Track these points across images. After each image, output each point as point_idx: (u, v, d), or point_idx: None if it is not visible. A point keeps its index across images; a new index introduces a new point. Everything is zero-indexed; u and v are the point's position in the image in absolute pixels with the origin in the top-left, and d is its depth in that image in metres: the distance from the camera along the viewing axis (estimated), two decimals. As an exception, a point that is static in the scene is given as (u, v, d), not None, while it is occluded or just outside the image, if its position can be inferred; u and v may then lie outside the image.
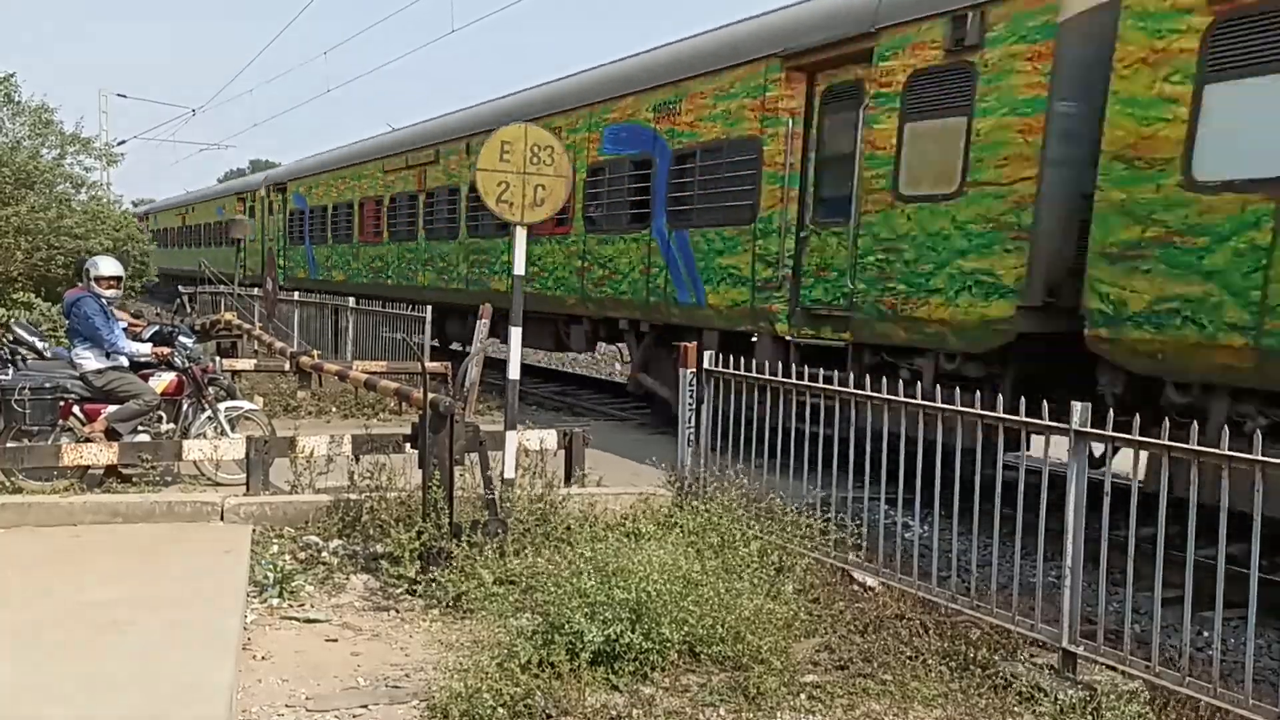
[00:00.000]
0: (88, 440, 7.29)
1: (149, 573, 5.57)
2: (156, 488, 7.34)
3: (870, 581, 5.79)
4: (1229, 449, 4.17)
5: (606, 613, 4.54)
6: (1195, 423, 4.50)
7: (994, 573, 5.16)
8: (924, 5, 8.06)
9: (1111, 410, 4.88)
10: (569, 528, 6.13)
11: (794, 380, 6.43)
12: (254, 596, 5.54)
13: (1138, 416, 4.59)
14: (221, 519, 6.68)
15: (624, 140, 12.00)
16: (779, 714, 4.32)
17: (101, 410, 7.57)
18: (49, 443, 7.21)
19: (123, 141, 49.88)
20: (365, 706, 4.32)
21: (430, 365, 8.98)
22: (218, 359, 9.66)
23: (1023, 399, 5.07)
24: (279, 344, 14.10)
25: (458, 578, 5.49)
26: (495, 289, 14.60)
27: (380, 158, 19.34)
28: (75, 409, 7.55)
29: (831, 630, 5.20)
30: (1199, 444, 4.28)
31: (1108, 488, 4.57)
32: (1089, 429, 4.66)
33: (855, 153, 8.74)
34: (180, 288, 23.96)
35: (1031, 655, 4.88)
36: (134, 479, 7.44)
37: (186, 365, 8.03)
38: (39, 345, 8.14)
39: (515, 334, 6.46)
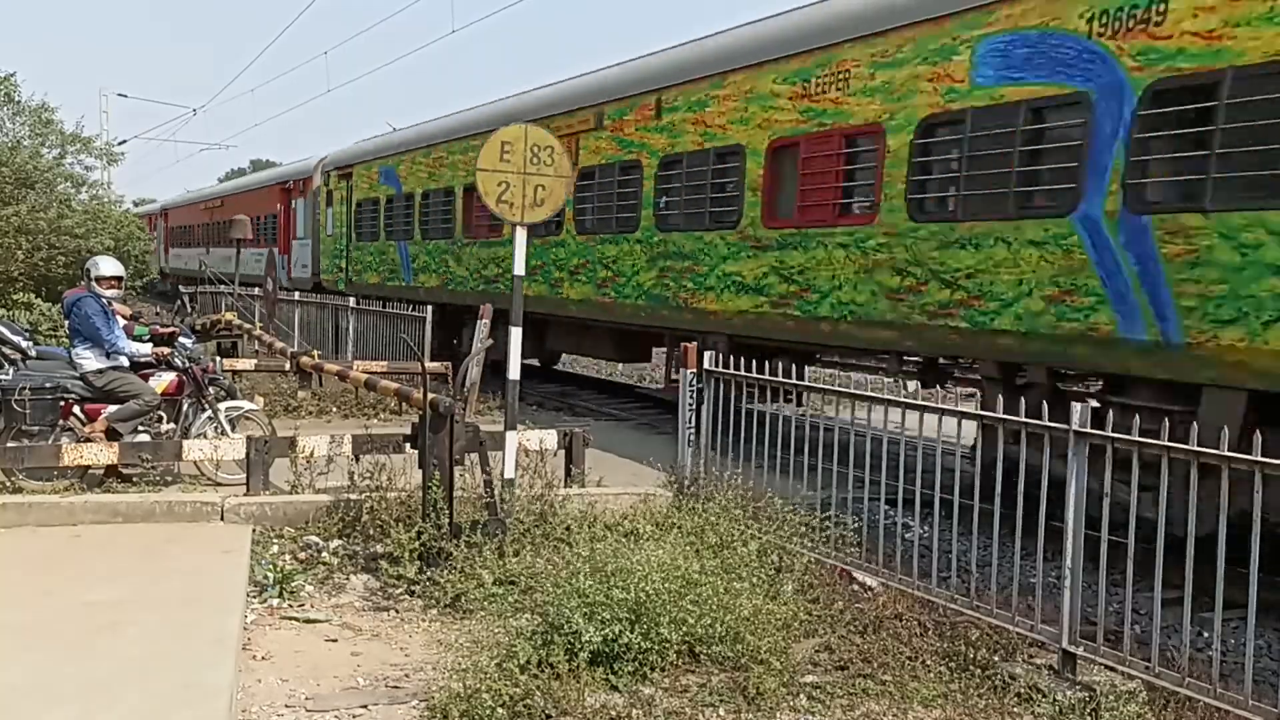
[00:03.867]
0: (88, 440, 7.29)
1: (149, 573, 5.58)
2: (157, 488, 7.35)
3: (870, 581, 5.79)
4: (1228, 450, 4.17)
5: (605, 613, 4.54)
6: (1195, 424, 4.50)
7: (994, 573, 5.16)
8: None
9: None
10: (568, 528, 6.13)
11: (793, 380, 6.45)
12: (254, 596, 5.54)
13: (1138, 418, 4.59)
14: (222, 519, 6.69)
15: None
16: (778, 714, 4.32)
17: (102, 410, 7.57)
18: (49, 443, 7.21)
19: (123, 141, 49.96)
20: (365, 707, 4.32)
21: (430, 365, 8.98)
22: (218, 359, 9.66)
23: (1022, 400, 5.08)
24: (279, 344, 14.09)
25: (457, 578, 5.50)
26: None
27: None
28: (75, 409, 7.56)
29: (831, 630, 5.20)
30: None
31: (1108, 488, 4.57)
32: (1089, 429, 4.66)
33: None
34: (181, 287, 23.34)
35: (1031, 655, 4.88)
36: (134, 479, 7.46)
37: (186, 365, 8.03)
38: (23, 344, 8.08)
39: (515, 334, 6.45)
